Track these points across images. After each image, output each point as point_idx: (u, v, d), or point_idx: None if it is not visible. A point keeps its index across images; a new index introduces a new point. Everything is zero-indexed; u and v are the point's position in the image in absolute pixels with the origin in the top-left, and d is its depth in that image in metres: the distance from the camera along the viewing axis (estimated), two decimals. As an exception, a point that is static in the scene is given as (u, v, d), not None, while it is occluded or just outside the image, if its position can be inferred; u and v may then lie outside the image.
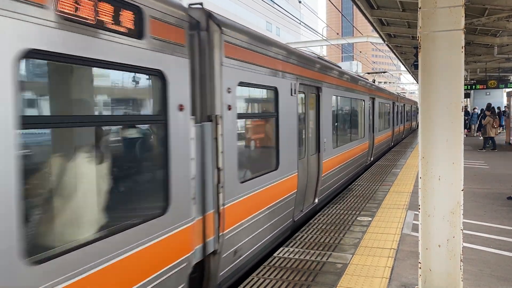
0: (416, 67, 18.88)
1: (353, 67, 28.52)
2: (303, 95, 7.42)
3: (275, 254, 5.68)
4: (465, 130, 25.61)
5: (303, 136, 7.49)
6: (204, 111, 4.39)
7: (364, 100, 13.30)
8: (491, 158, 15.70)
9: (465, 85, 13.11)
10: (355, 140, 12.02)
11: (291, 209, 6.71)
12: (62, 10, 2.61)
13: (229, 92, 4.61)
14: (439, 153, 4.11)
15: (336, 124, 9.69)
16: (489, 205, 8.40)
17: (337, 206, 8.39)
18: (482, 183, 10.86)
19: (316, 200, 8.21)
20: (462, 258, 4.13)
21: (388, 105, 19.72)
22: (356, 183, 10.99)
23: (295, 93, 6.74)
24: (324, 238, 6.34)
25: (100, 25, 2.90)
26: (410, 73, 34.96)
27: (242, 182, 5.00)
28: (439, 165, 4.12)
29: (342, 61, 65.04)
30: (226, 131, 4.53)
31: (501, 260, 5.44)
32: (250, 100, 5.86)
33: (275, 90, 6.03)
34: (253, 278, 4.88)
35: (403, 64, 27.44)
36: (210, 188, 4.37)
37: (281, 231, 6.37)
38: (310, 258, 5.52)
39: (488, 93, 31.46)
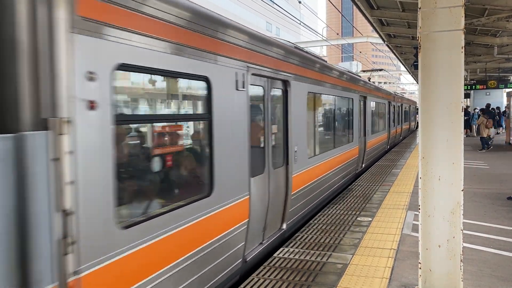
0: (416, 67, 18.88)
1: (353, 67, 28.52)
2: (260, 90, 5.70)
3: (275, 254, 5.68)
4: (466, 129, 25.61)
5: (261, 145, 5.75)
6: (35, 112, 2.54)
7: (352, 99, 11.62)
8: (491, 158, 15.70)
9: (465, 85, 13.15)
10: (341, 145, 10.19)
11: (240, 246, 5.03)
12: None
13: (91, 79, 2.82)
14: (439, 153, 4.11)
15: (313, 127, 8.06)
16: (489, 205, 8.40)
17: (337, 206, 8.39)
18: (482, 183, 10.86)
19: (284, 226, 6.55)
20: (462, 258, 4.13)
21: (383, 105, 18.54)
22: (356, 184, 10.99)
23: (243, 87, 5.00)
24: (324, 238, 6.34)
25: None
26: (410, 73, 35.01)
27: (128, 227, 3.19)
28: (439, 165, 4.12)
29: (342, 61, 65.15)
30: (85, 145, 2.78)
31: (501, 260, 5.44)
32: (150, 95, 3.94)
33: (206, 81, 4.28)
34: (253, 278, 4.88)
35: (403, 64, 27.49)
36: (45, 248, 2.54)
37: (220, 281, 4.60)
38: (310, 258, 5.52)
39: (488, 93, 31.49)
